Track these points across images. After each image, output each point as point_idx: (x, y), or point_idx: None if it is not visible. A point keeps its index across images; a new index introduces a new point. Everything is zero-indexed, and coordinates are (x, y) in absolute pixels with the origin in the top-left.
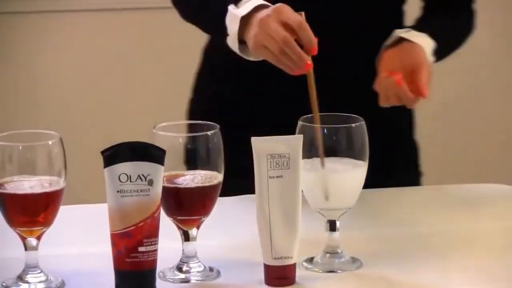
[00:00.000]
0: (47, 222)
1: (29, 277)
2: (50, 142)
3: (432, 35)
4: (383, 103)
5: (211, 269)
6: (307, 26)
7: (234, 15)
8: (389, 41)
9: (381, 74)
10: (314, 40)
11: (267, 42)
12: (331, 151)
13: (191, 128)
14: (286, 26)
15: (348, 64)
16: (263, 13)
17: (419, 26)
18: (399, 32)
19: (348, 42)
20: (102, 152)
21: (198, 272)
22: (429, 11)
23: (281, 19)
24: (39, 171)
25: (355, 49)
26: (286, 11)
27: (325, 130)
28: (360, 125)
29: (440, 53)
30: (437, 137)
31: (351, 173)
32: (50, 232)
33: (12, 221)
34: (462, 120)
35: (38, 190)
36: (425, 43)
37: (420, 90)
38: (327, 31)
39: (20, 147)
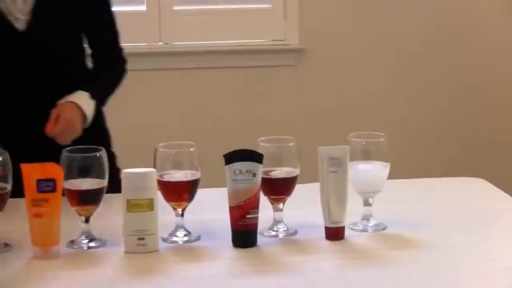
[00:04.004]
0: (189, 199)
1: (178, 233)
2: (192, 149)
3: (92, 88)
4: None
5: (293, 231)
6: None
7: None
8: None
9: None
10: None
11: None
12: (368, 156)
13: (279, 139)
14: None
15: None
16: None
17: (84, 84)
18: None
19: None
20: (224, 155)
21: (284, 231)
22: (93, 69)
23: None
24: (184, 167)
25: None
26: None
27: (363, 143)
28: (383, 141)
29: (102, 96)
30: (436, 136)
31: (379, 170)
32: (191, 206)
33: (168, 198)
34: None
35: (183, 179)
36: (79, 97)
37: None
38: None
39: (173, 152)
